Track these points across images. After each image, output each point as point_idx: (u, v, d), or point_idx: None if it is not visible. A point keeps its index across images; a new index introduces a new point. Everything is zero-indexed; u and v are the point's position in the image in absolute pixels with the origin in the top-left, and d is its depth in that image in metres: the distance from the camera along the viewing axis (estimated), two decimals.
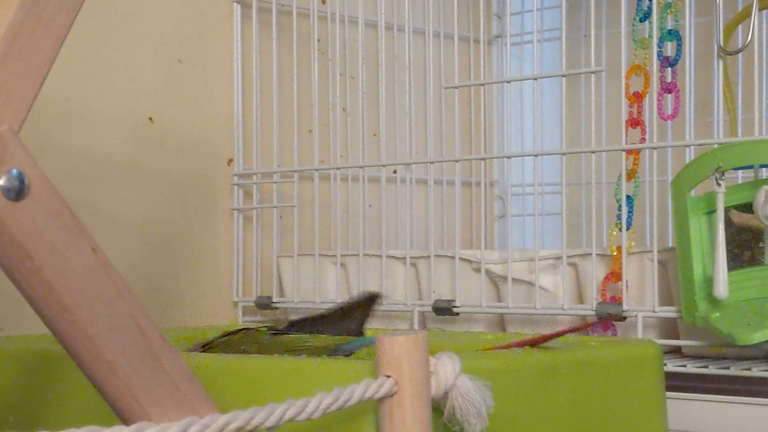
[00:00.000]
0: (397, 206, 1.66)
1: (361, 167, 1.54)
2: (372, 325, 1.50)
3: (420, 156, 1.64)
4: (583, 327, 1.19)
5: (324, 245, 1.62)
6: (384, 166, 1.52)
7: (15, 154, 0.60)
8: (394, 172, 1.76)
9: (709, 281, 1.16)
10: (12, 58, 0.60)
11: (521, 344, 1.01)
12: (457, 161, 1.43)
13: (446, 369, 0.82)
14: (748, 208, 1.15)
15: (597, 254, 1.31)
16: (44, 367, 1.02)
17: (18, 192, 0.60)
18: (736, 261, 1.17)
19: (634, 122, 1.29)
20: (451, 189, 1.60)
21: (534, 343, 1.00)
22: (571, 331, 1.03)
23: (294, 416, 0.73)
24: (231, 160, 1.66)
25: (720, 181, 1.14)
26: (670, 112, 1.27)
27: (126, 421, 0.66)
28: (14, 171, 0.60)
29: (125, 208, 1.53)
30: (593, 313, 1.29)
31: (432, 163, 1.47)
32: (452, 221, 1.48)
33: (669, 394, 1.18)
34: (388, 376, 0.79)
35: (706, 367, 1.21)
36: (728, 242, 1.15)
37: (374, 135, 1.75)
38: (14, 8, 0.61)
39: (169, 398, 0.67)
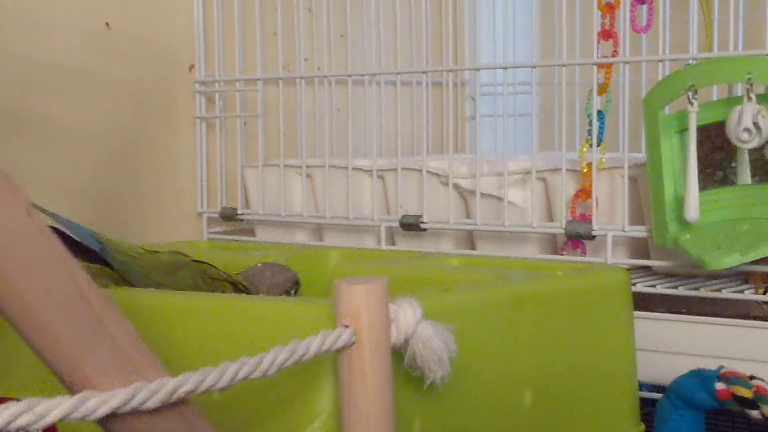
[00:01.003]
0: (365, 110, 1.62)
1: (326, 77, 1.49)
2: (339, 241, 1.48)
3: (389, 62, 1.59)
4: None
5: (290, 152, 1.58)
6: (350, 76, 1.47)
7: None
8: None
9: (680, 202, 1.14)
10: None
11: None
12: (425, 72, 1.39)
13: (406, 316, 0.79)
14: (721, 126, 1.12)
15: (567, 170, 1.28)
16: None
17: None
18: (708, 181, 1.14)
19: (606, 34, 1.24)
20: (421, 89, 1.56)
21: None
22: None
23: (247, 375, 0.70)
24: (192, 66, 1.61)
25: (693, 100, 1.11)
26: (643, 24, 1.22)
27: (71, 390, 0.63)
28: None
29: (82, 119, 1.48)
30: (562, 231, 1.26)
31: (400, 74, 1.42)
32: (422, 124, 1.44)
33: (637, 313, 1.16)
34: (346, 326, 0.77)
35: (676, 288, 1.19)
36: (700, 161, 1.12)
37: (341, 36, 1.70)
38: None
39: (114, 363, 0.64)
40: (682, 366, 1.17)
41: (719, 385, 1.00)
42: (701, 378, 1.02)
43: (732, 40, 1.15)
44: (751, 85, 1.07)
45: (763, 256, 1.08)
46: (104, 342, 0.64)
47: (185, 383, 0.66)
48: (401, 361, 0.80)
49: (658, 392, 1.21)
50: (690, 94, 1.11)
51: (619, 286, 1.03)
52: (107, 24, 1.51)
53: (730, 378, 1.00)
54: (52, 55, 1.45)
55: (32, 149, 1.42)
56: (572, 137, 1.65)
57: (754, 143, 1.08)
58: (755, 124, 1.07)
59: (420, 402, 0.85)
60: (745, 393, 0.98)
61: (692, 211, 1.11)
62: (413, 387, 0.83)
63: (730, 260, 1.07)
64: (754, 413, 0.99)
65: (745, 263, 1.09)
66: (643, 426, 1.06)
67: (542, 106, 1.88)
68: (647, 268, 1.30)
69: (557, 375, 0.97)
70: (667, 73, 1.19)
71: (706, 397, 1.01)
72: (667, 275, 1.26)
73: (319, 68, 1.66)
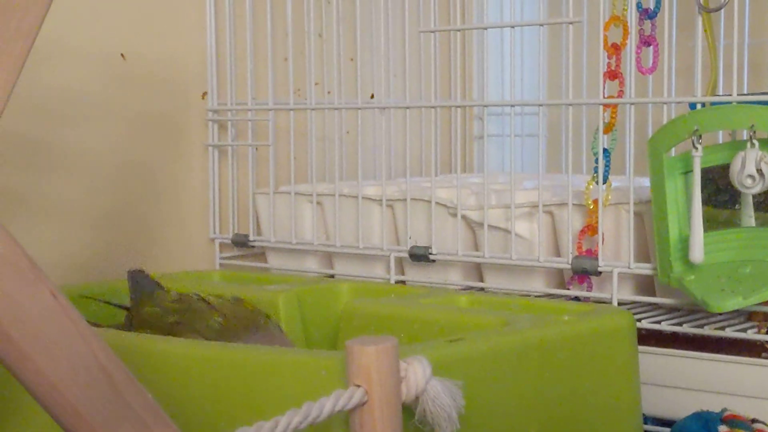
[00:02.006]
0: (374, 131, 1.65)
1: (336, 108, 1.52)
2: (349, 269, 1.51)
3: (398, 91, 1.62)
4: None
5: (300, 177, 1.60)
6: (360, 108, 1.49)
7: None
8: (372, 97, 1.74)
9: (684, 242, 1.16)
10: None
11: None
12: (434, 107, 1.42)
13: (417, 374, 0.82)
14: (725, 168, 1.14)
15: (573, 204, 1.31)
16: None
17: None
18: (711, 222, 1.17)
19: (613, 74, 1.27)
20: (429, 112, 1.58)
21: None
22: None
23: None
24: (205, 94, 1.63)
25: (697, 145, 1.13)
26: (649, 65, 1.24)
27: None
28: None
29: (99, 146, 1.51)
30: (569, 266, 1.29)
31: (408, 108, 1.45)
32: (430, 145, 1.46)
33: (642, 348, 1.18)
34: (358, 386, 0.79)
35: (680, 325, 1.21)
36: (704, 203, 1.15)
37: (351, 59, 1.72)
38: None
39: None
40: (686, 401, 1.20)
41: (722, 428, 1.03)
42: (705, 421, 1.04)
43: (735, 84, 1.17)
44: (755, 132, 1.09)
45: (765, 300, 1.11)
46: (126, 415, 0.66)
47: None
48: (412, 416, 0.83)
49: (662, 425, 1.23)
50: (694, 138, 1.13)
51: (624, 331, 1.06)
52: (122, 54, 1.53)
53: (733, 421, 1.02)
54: (70, 83, 1.47)
55: (47, 176, 1.45)
56: (579, 159, 1.68)
57: (758, 189, 1.10)
58: (758, 170, 1.09)
59: None
60: None
61: (697, 253, 1.13)
62: None
63: (733, 304, 1.10)
64: None
65: None
66: None
67: (549, 125, 1.90)
68: None
69: (563, 420, 1.00)
70: (673, 114, 1.21)
71: None
72: (672, 309, 1.28)
73: (329, 92, 1.68)
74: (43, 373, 0.62)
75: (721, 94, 1.41)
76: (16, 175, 1.41)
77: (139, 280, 1.16)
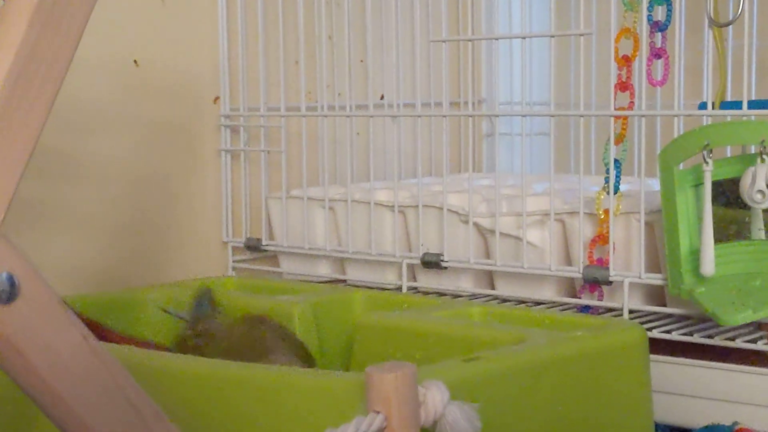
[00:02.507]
0: (385, 134, 1.66)
1: (348, 116, 1.53)
2: (362, 275, 1.52)
3: (408, 92, 1.63)
4: None
5: (312, 179, 1.62)
6: (372, 117, 1.51)
7: (3, 258, 0.60)
8: (381, 98, 1.76)
9: (695, 255, 1.17)
10: None
11: None
12: (445, 116, 1.43)
13: (435, 399, 0.83)
14: (735, 182, 1.16)
15: (585, 213, 1.32)
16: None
17: (9, 295, 0.60)
18: (721, 234, 1.18)
19: (623, 86, 1.28)
20: (439, 110, 1.60)
21: None
22: None
23: None
24: (217, 98, 1.65)
25: (708, 159, 1.14)
26: (659, 78, 1.26)
27: None
28: (4, 275, 0.60)
29: (113, 153, 1.53)
30: (580, 275, 1.30)
31: (420, 117, 1.46)
32: (440, 145, 1.48)
33: (654, 357, 1.20)
34: (378, 412, 0.81)
35: (691, 335, 1.23)
36: (714, 216, 1.16)
37: (361, 61, 1.73)
38: None
39: None
40: (697, 408, 1.22)
41: None
42: None
43: (745, 98, 1.18)
44: (765, 147, 1.10)
45: None
46: None
47: None
48: None
49: None
50: (705, 153, 1.14)
51: (637, 346, 1.07)
52: (135, 61, 1.55)
53: None
54: (83, 92, 1.49)
55: (62, 185, 1.46)
56: (588, 159, 1.69)
57: (767, 204, 1.11)
58: None
59: None
60: None
61: (708, 266, 1.14)
62: None
63: (743, 317, 1.11)
64: None
65: None
66: None
67: (557, 122, 1.91)
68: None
69: None
70: (682, 126, 1.23)
71: None
72: (682, 318, 1.30)
73: (340, 93, 1.69)
74: (75, 413, 0.64)
75: (730, 100, 1.42)
76: (32, 185, 1.42)
77: (203, 299, 1.20)
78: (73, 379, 0.64)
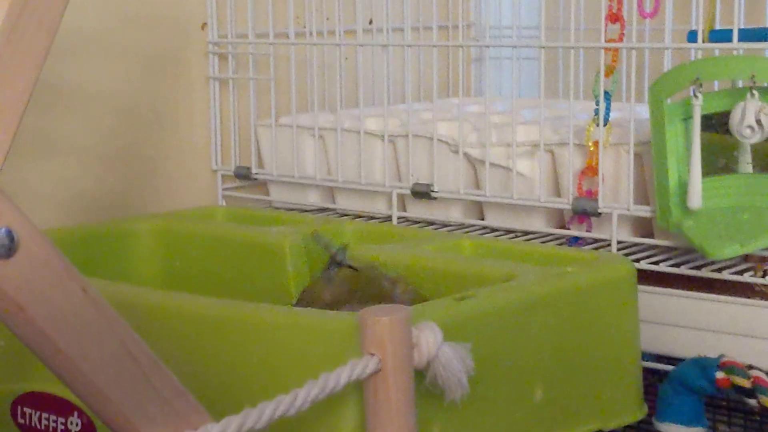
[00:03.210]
0: (374, 59, 1.66)
1: (337, 45, 1.52)
2: (351, 204, 1.53)
3: (396, 15, 1.62)
4: None
5: (301, 105, 1.61)
6: (361, 45, 1.50)
7: (2, 213, 0.61)
8: (370, 22, 1.75)
9: (683, 188, 1.18)
10: None
11: None
12: (434, 46, 1.42)
13: (428, 341, 0.84)
14: (724, 116, 1.16)
15: (574, 144, 1.32)
16: None
17: (8, 249, 0.61)
18: (710, 168, 1.19)
19: (614, 17, 1.27)
20: (429, 34, 1.59)
21: None
22: None
23: (284, 413, 0.76)
24: (204, 25, 1.64)
25: (697, 93, 1.14)
26: (650, 10, 1.25)
27: None
28: (3, 230, 0.61)
29: (100, 82, 1.52)
30: (569, 207, 1.31)
31: (410, 46, 1.46)
32: (430, 70, 1.48)
33: (642, 287, 1.21)
34: (373, 354, 0.82)
35: (678, 266, 1.24)
36: (703, 149, 1.16)
37: None
38: None
39: (162, 416, 0.70)
40: (683, 338, 1.23)
41: (719, 375, 1.06)
42: (702, 367, 1.07)
43: (735, 32, 1.18)
44: (754, 82, 1.11)
45: (763, 247, 1.13)
46: (152, 398, 0.69)
47: (228, 427, 0.72)
48: (422, 380, 0.85)
49: (659, 362, 1.27)
50: (694, 87, 1.14)
51: (625, 280, 1.09)
52: None
53: (730, 368, 1.05)
54: (68, 21, 1.46)
55: (47, 114, 1.46)
56: (578, 85, 1.69)
57: (756, 139, 1.12)
58: (758, 120, 1.11)
59: (438, 409, 0.90)
60: (744, 383, 1.04)
61: (695, 199, 1.15)
62: (433, 399, 0.88)
63: (731, 251, 1.12)
64: (752, 402, 1.05)
65: None
66: (646, 408, 1.12)
67: (548, 50, 1.91)
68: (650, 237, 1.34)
69: (567, 368, 1.03)
70: (671, 58, 1.23)
71: (706, 384, 1.07)
72: (670, 249, 1.31)
73: (328, 18, 1.68)
74: (74, 362, 0.65)
75: (718, 28, 1.42)
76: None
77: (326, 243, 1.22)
78: (72, 331, 0.64)
